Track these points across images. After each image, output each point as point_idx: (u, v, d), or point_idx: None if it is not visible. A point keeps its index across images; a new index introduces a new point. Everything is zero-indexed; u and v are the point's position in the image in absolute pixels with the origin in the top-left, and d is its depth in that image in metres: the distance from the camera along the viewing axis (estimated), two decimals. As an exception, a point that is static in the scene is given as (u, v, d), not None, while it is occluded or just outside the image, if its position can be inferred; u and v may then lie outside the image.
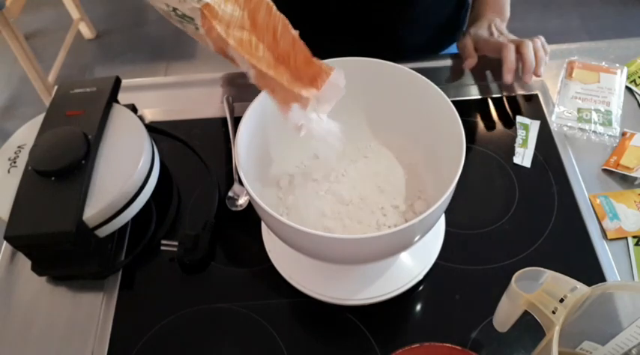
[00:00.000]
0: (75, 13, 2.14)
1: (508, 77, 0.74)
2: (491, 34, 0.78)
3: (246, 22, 0.47)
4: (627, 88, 0.78)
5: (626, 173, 0.68)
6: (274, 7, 0.47)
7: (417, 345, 0.53)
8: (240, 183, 0.62)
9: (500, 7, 0.83)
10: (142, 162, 0.63)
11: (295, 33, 0.48)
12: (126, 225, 0.65)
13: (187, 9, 0.45)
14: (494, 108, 0.78)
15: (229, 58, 0.49)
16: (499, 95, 0.79)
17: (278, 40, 0.48)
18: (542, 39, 0.76)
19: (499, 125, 0.76)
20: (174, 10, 0.46)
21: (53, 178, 0.59)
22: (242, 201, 0.69)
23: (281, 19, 0.47)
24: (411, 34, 0.85)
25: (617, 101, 0.76)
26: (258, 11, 0.47)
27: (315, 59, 0.49)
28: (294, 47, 0.48)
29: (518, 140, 0.73)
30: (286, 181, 0.63)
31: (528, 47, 0.74)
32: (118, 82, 0.71)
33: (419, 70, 0.58)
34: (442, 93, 0.55)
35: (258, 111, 0.57)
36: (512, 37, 0.78)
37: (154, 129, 0.76)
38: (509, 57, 0.74)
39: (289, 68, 0.49)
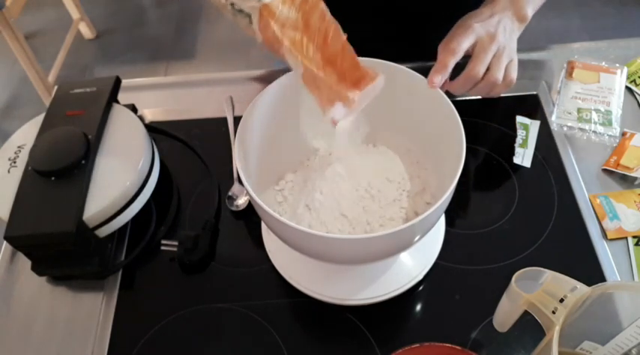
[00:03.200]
0: (75, 13, 2.14)
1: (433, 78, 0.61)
2: (479, 26, 0.63)
3: (299, 23, 0.49)
4: (627, 87, 0.78)
5: (626, 173, 0.68)
6: (328, 13, 0.49)
7: (417, 345, 0.53)
8: (240, 183, 0.62)
9: None
10: (142, 162, 0.63)
11: (344, 38, 0.50)
12: (126, 225, 0.65)
13: (247, 6, 0.48)
14: (494, 108, 0.78)
15: (277, 52, 0.51)
16: (499, 95, 0.79)
17: (328, 43, 0.50)
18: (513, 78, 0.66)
19: (499, 125, 0.76)
20: (232, 4, 0.48)
21: (53, 178, 0.59)
22: (242, 201, 0.69)
23: (334, 25, 0.50)
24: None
25: (617, 101, 0.76)
26: (312, 14, 0.49)
27: (362, 65, 0.51)
28: (343, 51, 0.51)
29: (518, 140, 0.73)
30: (286, 181, 0.64)
31: (495, 75, 0.63)
32: (118, 82, 0.71)
33: (419, 70, 0.58)
34: (442, 93, 0.56)
35: (259, 110, 0.57)
36: (506, 46, 0.64)
37: (154, 129, 0.76)
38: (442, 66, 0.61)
39: (335, 69, 0.51)
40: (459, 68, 0.64)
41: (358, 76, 0.51)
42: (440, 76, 0.59)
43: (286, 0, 0.48)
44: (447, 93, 0.56)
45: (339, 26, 0.50)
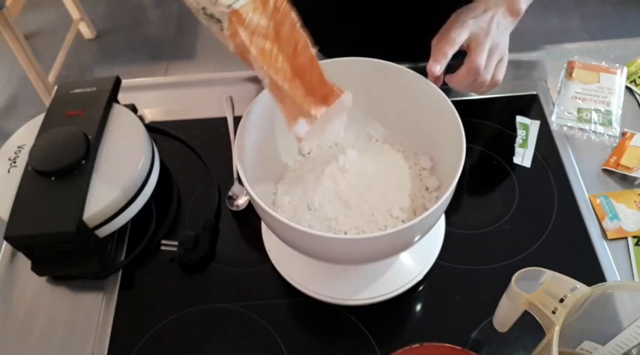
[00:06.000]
0: (75, 13, 2.14)
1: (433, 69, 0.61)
2: (473, 22, 0.62)
3: (270, 32, 0.49)
4: (627, 87, 0.78)
5: (626, 173, 0.68)
6: (298, 24, 0.49)
7: (417, 345, 0.53)
8: (240, 183, 0.62)
9: None
10: (142, 162, 0.63)
11: (314, 51, 0.50)
12: (126, 225, 0.65)
13: (216, 12, 0.47)
14: (494, 108, 0.78)
15: (247, 61, 0.50)
16: (499, 95, 0.79)
17: (297, 54, 0.50)
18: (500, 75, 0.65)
19: (499, 125, 0.76)
20: (204, 9, 0.48)
21: (53, 178, 0.59)
22: (242, 201, 0.69)
23: (303, 36, 0.49)
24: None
25: (617, 101, 0.76)
26: (283, 24, 0.49)
27: (328, 80, 0.51)
28: (312, 64, 0.50)
29: (518, 140, 0.73)
30: (286, 181, 0.63)
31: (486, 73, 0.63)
32: (118, 82, 0.71)
33: (419, 70, 0.58)
34: (442, 93, 0.55)
35: (259, 110, 0.57)
36: (499, 43, 0.63)
37: (154, 129, 0.76)
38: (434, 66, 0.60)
39: (304, 82, 0.51)
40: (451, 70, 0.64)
41: (326, 91, 0.51)
42: (439, 65, 0.59)
43: (257, 7, 0.47)
44: (445, 91, 0.56)
45: (308, 38, 0.50)
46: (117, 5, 2.42)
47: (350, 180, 0.58)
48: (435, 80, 0.64)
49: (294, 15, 0.49)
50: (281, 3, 0.48)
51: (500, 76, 0.65)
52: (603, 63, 0.80)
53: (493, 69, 0.64)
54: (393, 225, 0.57)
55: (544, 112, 0.76)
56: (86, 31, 2.24)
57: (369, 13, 0.82)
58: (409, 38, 0.83)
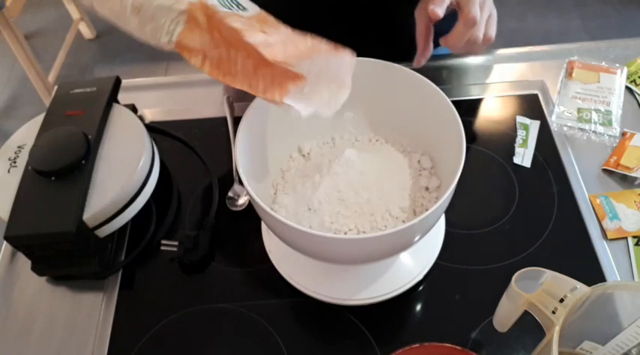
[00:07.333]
0: (75, 13, 2.14)
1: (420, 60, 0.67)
2: None
3: (217, 41, 0.48)
4: (627, 87, 0.78)
5: (626, 173, 0.68)
6: (224, 20, 0.48)
7: (417, 345, 0.53)
8: (240, 183, 0.62)
9: None
10: (142, 162, 0.63)
11: (252, 39, 0.48)
12: (126, 225, 0.65)
13: (169, 48, 0.48)
14: (494, 108, 0.78)
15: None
16: (499, 95, 0.79)
17: (246, 46, 0.48)
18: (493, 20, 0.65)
19: (499, 125, 0.76)
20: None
21: (53, 178, 0.59)
22: (242, 201, 0.69)
23: (234, 30, 0.48)
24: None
25: (617, 101, 0.76)
26: (220, 28, 0.48)
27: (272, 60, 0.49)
28: (254, 50, 0.48)
29: (518, 140, 0.73)
30: (286, 180, 0.63)
31: (479, 30, 0.63)
32: (118, 82, 0.71)
33: (419, 70, 0.58)
34: (442, 93, 0.55)
35: (258, 111, 0.57)
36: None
37: (154, 129, 0.76)
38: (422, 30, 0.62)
39: (271, 69, 0.49)
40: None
41: (281, 70, 0.49)
42: (440, 8, 0.58)
43: (191, 28, 0.47)
44: (446, 91, 0.56)
45: (239, 30, 0.48)
46: (117, 5, 2.42)
47: (350, 180, 0.58)
48: (425, 45, 0.64)
49: (219, 14, 0.48)
50: (205, 9, 0.47)
51: (493, 32, 0.64)
52: (603, 63, 0.80)
53: (484, 25, 0.63)
54: (392, 225, 0.57)
55: (544, 112, 0.76)
56: (86, 31, 2.24)
57: (369, 13, 0.82)
58: (408, 38, 0.83)
